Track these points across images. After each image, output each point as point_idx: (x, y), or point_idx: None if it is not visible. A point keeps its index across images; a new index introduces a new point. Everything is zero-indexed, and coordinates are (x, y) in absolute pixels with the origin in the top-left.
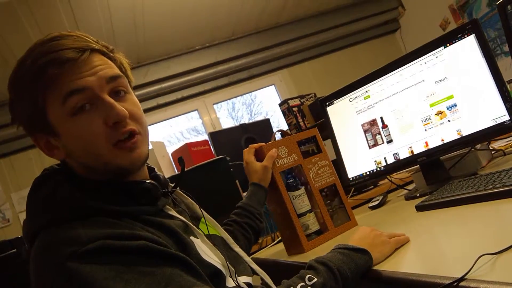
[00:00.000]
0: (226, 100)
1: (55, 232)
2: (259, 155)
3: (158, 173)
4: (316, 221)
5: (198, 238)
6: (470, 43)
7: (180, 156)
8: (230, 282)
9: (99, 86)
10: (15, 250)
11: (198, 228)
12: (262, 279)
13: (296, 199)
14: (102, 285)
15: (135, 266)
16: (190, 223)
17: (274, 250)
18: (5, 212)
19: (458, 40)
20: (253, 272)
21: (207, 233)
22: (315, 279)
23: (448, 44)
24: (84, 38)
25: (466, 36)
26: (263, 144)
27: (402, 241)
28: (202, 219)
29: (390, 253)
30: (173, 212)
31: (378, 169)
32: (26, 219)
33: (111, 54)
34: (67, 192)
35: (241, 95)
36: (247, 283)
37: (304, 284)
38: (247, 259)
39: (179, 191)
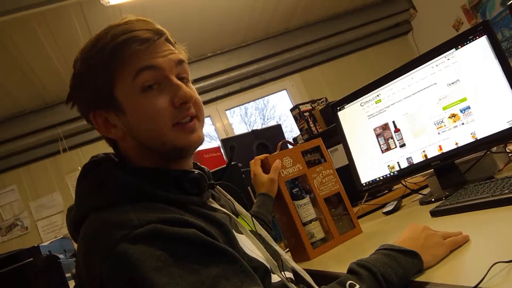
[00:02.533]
0: (238, 106)
1: (105, 215)
2: (266, 166)
3: (202, 166)
4: (321, 229)
5: (242, 233)
6: (482, 44)
7: (233, 143)
8: (274, 277)
9: (169, 67)
10: (31, 259)
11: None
12: (302, 277)
13: (301, 208)
14: (148, 276)
15: (183, 259)
16: (234, 217)
17: None
18: (24, 220)
19: (470, 42)
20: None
21: (249, 229)
22: (357, 286)
23: (459, 46)
24: (154, 24)
25: (477, 37)
26: (269, 155)
27: (459, 242)
28: (240, 216)
29: (444, 256)
30: (216, 205)
31: (392, 173)
32: (75, 203)
33: (176, 45)
34: (117, 176)
35: (253, 100)
36: (289, 278)
37: None
38: (286, 257)
39: (218, 187)
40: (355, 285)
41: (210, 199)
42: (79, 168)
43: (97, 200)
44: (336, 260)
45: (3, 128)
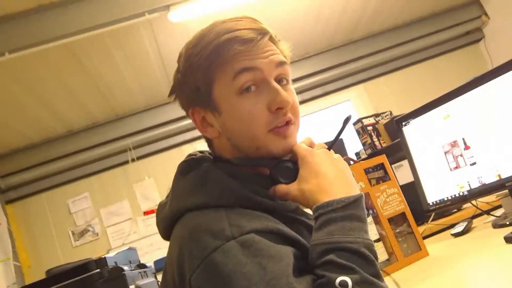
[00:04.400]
0: (300, 117)
1: (201, 219)
2: None
3: None
4: (385, 250)
5: None
6: None
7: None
8: None
9: (268, 69)
10: (98, 270)
11: None
12: None
13: None
14: (238, 284)
15: (270, 277)
16: None
17: None
18: (95, 226)
19: None
20: None
21: None
22: (349, 280)
23: None
24: (259, 22)
25: None
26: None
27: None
28: None
29: None
30: (307, 210)
31: (461, 193)
32: (170, 201)
33: (279, 44)
34: (220, 178)
35: (316, 112)
36: None
37: None
38: None
39: None
40: (347, 281)
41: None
42: (146, 177)
43: (194, 201)
44: (401, 284)
45: (78, 139)
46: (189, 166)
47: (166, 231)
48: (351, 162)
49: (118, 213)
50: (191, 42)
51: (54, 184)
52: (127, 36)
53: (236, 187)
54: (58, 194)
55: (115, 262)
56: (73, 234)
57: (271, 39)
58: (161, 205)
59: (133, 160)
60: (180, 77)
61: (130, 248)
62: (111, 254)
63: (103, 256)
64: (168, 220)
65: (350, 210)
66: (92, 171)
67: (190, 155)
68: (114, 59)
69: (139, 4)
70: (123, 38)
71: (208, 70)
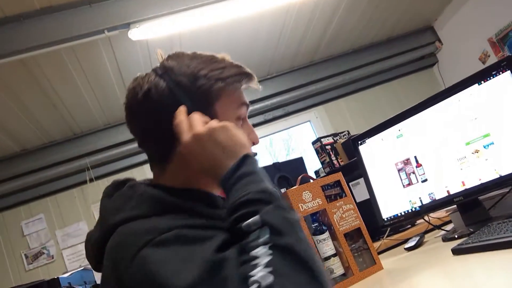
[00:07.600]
0: (262, 137)
1: (132, 225)
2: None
3: None
4: (341, 265)
5: None
6: (505, 79)
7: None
8: None
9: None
10: None
11: None
12: None
13: (321, 243)
14: (166, 281)
15: (200, 255)
16: None
17: None
18: (50, 249)
19: (493, 77)
20: None
21: None
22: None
23: (482, 81)
24: None
25: (501, 72)
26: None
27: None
28: None
29: None
30: None
31: (413, 209)
32: (99, 223)
33: None
34: (145, 189)
35: (277, 132)
36: None
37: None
38: None
39: None
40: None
41: None
42: None
43: (123, 216)
44: None
45: (33, 158)
46: (114, 188)
47: (97, 256)
48: (310, 180)
49: (75, 235)
50: (200, 56)
51: (6, 206)
52: (86, 53)
53: (163, 195)
54: (10, 216)
55: (69, 283)
56: (27, 257)
57: None
58: (89, 234)
59: (91, 180)
60: (186, 79)
61: (85, 269)
62: (65, 275)
63: (56, 277)
64: (99, 241)
65: (239, 171)
66: (48, 191)
67: (113, 181)
68: (72, 76)
69: (98, 21)
70: (81, 55)
71: (224, 85)
